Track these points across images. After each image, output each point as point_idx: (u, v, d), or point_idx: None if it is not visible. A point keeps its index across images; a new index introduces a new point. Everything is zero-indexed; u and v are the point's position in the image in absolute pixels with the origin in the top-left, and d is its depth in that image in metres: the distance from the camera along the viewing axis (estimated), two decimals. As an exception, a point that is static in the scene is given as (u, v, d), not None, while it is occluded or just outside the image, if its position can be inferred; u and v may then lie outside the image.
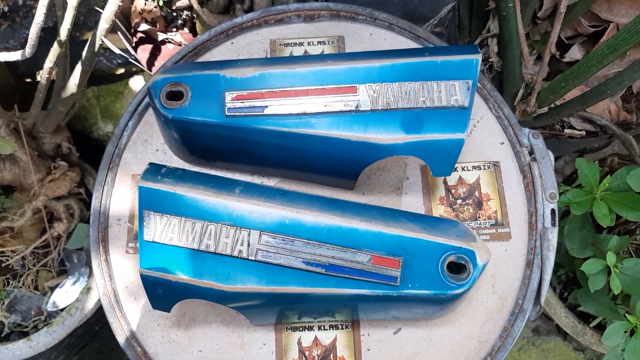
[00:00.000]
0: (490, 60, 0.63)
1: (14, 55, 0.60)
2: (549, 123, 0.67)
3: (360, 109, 0.42)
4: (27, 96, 0.83)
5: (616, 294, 0.65)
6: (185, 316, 0.48)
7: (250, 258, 0.39)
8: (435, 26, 0.70)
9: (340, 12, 0.55)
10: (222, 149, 0.47)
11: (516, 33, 0.57)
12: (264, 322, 0.46)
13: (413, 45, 0.54)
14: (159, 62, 0.77)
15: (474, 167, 0.50)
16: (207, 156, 0.49)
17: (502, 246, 0.49)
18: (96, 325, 0.98)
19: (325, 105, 0.43)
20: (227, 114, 0.43)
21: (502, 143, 0.51)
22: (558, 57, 0.69)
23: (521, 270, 0.47)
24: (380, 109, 0.42)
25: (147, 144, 0.52)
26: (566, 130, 0.68)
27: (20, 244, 0.83)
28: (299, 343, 0.47)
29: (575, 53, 0.68)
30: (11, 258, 0.82)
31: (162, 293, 0.40)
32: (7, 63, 0.88)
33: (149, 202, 0.39)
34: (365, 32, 0.55)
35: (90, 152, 0.92)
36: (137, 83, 0.94)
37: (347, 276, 0.39)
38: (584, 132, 0.69)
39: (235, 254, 0.38)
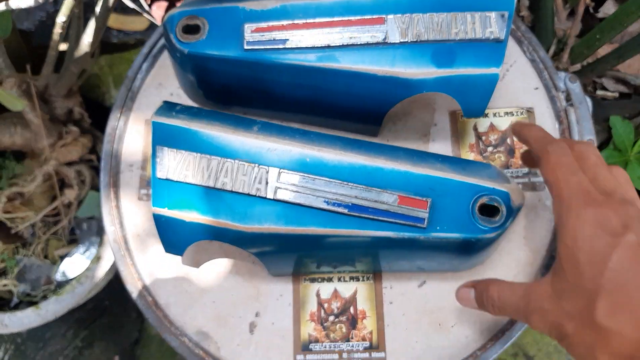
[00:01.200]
0: (521, 14, 0.60)
1: (26, 2, 0.59)
2: (583, 82, 0.64)
3: (389, 41, 0.40)
4: (39, 63, 0.82)
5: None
6: (200, 272, 0.46)
7: (268, 197, 0.36)
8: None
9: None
10: (240, 89, 0.45)
11: (550, -17, 0.54)
12: (282, 270, 0.44)
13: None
14: (158, 1, 0.75)
15: (505, 114, 0.48)
16: (224, 99, 0.48)
17: (534, 196, 0.46)
18: (106, 300, 0.97)
19: (351, 38, 0.41)
20: (245, 47, 0.41)
21: (537, 88, 0.48)
22: (592, 11, 0.66)
23: (553, 222, 0.45)
24: (409, 41, 0.40)
25: (161, 88, 0.50)
26: (598, 92, 0.65)
27: (30, 211, 0.82)
28: (318, 295, 0.45)
29: (609, 8, 0.65)
30: (21, 225, 0.81)
31: (175, 234, 0.38)
32: (20, 32, 0.87)
33: (163, 138, 0.37)
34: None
35: (102, 120, 0.90)
36: (151, 50, 0.92)
37: (371, 217, 0.36)
38: (617, 94, 0.66)
39: (253, 192, 0.36)
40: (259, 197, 0.37)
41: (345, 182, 0.37)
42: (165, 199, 0.37)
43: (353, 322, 0.45)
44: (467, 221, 0.36)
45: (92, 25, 0.69)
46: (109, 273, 0.82)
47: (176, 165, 0.37)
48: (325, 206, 0.36)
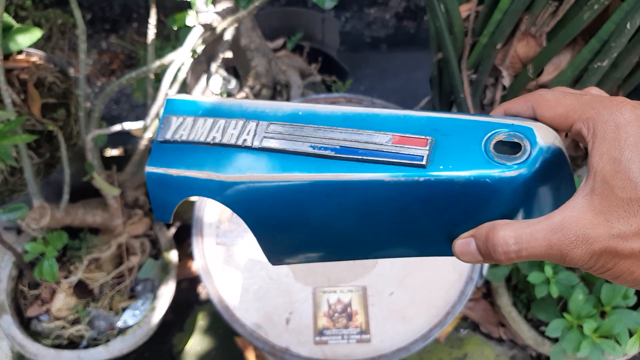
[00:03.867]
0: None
1: (136, 125, 0.94)
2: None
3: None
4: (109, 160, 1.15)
5: (554, 297, 0.93)
6: (254, 288, 0.76)
7: (254, 145, 0.34)
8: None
9: (351, 99, 0.90)
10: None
11: (466, 113, 0.91)
12: (279, 253, 0.39)
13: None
14: None
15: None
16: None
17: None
18: (146, 351, 1.22)
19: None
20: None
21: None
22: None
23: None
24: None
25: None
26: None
27: (101, 273, 1.11)
28: (327, 301, 0.75)
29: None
30: (95, 284, 1.09)
31: (163, 192, 0.37)
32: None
33: (171, 109, 0.38)
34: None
35: (156, 207, 1.23)
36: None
37: (360, 157, 0.31)
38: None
39: (239, 142, 0.34)
40: (245, 147, 0.34)
41: (335, 128, 0.33)
42: (159, 160, 0.37)
43: (349, 317, 0.74)
44: (479, 158, 0.28)
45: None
46: (151, 329, 1.09)
47: (175, 127, 0.37)
48: (311, 150, 0.32)
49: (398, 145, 0.30)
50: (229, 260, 0.78)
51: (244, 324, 0.73)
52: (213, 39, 0.94)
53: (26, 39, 0.93)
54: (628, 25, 0.68)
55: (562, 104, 0.28)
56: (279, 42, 1.22)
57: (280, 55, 1.17)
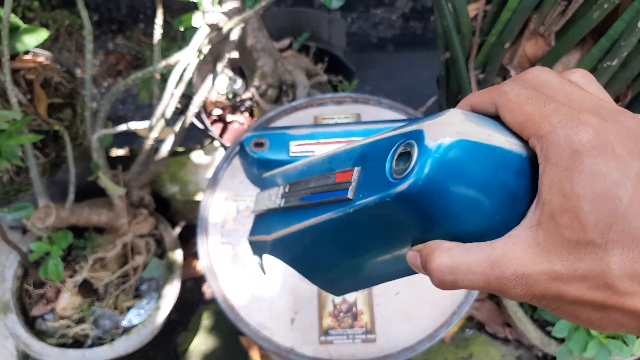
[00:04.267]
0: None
1: (142, 124, 0.94)
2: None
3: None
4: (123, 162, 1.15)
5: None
6: (259, 287, 0.76)
7: (281, 206, 0.38)
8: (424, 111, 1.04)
9: (358, 99, 0.89)
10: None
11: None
12: (332, 287, 0.41)
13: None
14: (227, 135, 1.11)
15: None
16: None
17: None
18: (151, 350, 1.22)
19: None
20: (290, 155, 0.75)
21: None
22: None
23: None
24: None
25: (234, 178, 0.83)
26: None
27: (106, 272, 1.11)
28: (333, 300, 0.75)
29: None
30: (99, 283, 1.09)
31: (254, 249, 0.47)
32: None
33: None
34: (374, 111, 0.88)
35: (159, 207, 1.23)
36: (196, 156, 1.27)
37: (319, 201, 0.32)
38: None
39: (276, 206, 0.39)
40: (277, 209, 0.39)
41: (312, 177, 0.34)
42: (252, 230, 0.47)
43: (355, 317, 0.74)
44: (383, 178, 0.28)
45: (171, 138, 1.03)
46: (156, 328, 1.09)
47: (257, 202, 0.46)
48: (299, 203, 0.35)
49: (338, 182, 0.30)
50: (234, 260, 0.78)
51: (249, 324, 0.73)
52: (219, 39, 0.94)
53: (33, 39, 0.94)
54: (639, 24, 0.67)
55: (523, 111, 0.24)
56: (286, 42, 1.21)
57: (286, 55, 1.17)
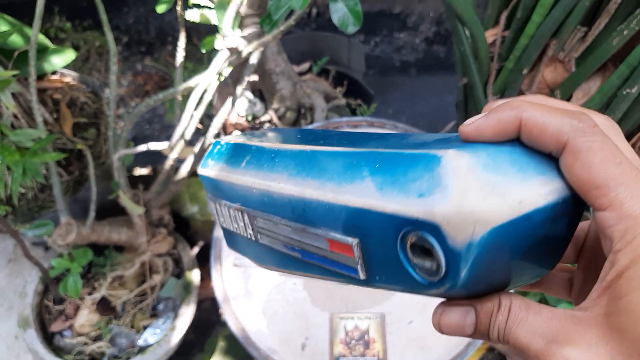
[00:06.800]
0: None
1: (162, 145, 0.96)
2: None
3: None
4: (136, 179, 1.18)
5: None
6: (271, 311, 0.75)
7: (258, 241, 0.34)
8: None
9: (374, 123, 0.89)
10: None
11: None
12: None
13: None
14: None
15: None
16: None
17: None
18: (167, 370, 1.22)
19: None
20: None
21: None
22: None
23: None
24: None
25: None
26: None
27: (124, 290, 1.12)
28: (344, 327, 0.74)
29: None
30: (117, 301, 1.11)
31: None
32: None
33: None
34: (391, 135, 0.88)
35: (179, 226, 1.24)
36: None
37: (316, 263, 0.30)
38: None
39: (248, 236, 0.35)
40: (253, 241, 0.35)
41: (281, 219, 0.31)
42: (227, 239, 0.40)
43: (367, 345, 0.72)
44: (400, 269, 0.25)
45: (191, 159, 1.05)
46: (171, 348, 1.09)
47: (221, 215, 0.38)
48: (285, 250, 0.32)
49: (334, 252, 0.28)
50: (246, 282, 0.78)
51: (259, 348, 0.72)
52: (239, 62, 0.95)
53: (60, 60, 0.97)
54: (659, 52, 0.66)
55: (602, 171, 0.19)
56: (305, 65, 1.23)
57: (305, 78, 1.18)
